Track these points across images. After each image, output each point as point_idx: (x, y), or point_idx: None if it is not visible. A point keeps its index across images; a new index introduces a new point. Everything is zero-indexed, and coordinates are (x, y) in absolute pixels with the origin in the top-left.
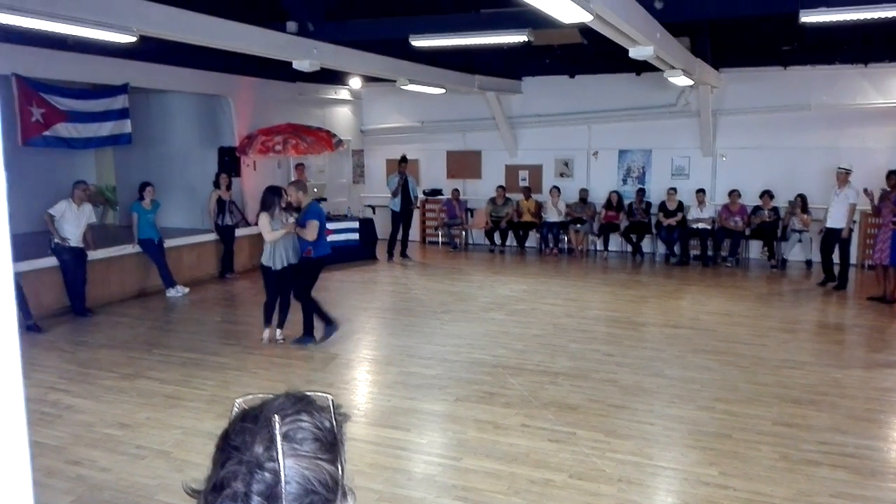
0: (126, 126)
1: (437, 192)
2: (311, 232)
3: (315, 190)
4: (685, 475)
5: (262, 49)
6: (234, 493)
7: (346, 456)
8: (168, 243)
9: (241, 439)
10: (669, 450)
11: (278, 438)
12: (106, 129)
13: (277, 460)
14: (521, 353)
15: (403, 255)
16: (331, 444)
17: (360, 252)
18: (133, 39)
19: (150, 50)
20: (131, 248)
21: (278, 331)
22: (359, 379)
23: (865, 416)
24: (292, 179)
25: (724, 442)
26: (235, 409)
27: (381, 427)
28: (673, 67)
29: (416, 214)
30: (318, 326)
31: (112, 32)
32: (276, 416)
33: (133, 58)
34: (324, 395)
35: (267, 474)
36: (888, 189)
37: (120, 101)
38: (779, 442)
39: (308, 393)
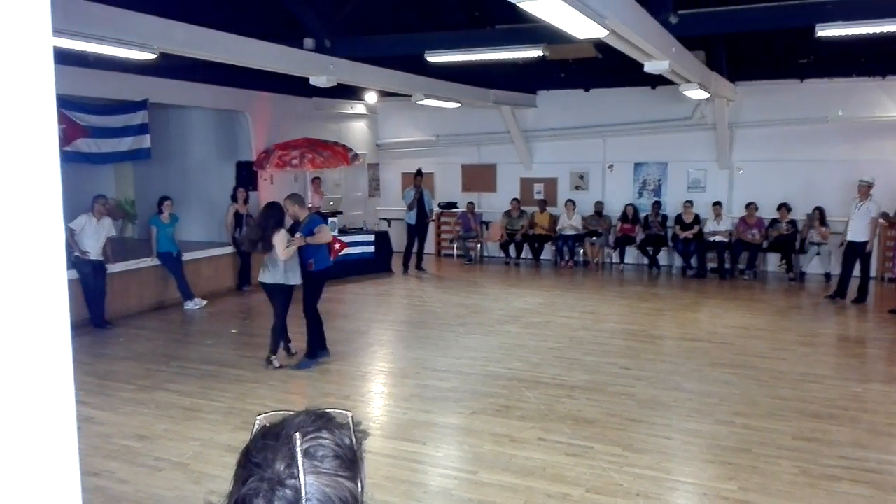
0: (145, 141)
1: (453, 205)
2: (325, 234)
3: (332, 203)
4: (704, 490)
5: (280, 66)
6: None
7: (366, 472)
8: (186, 256)
9: (262, 456)
10: (688, 464)
11: (299, 456)
12: (125, 144)
13: (298, 478)
14: (536, 366)
15: (419, 267)
16: (351, 461)
17: (376, 265)
18: (153, 56)
19: (170, 66)
20: (150, 262)
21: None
22: (375, 392)
23: (886, 430)
24: (309, 193)
25: (743, 456)
26: (256, 425)
27: (398, 440)
28: (688, 81)
29: (432, 227)
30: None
31: (134, 50)
32: (297, 434)
33: (153, 74)
34: (343, 412)
35: (288, 491)
36: None
37: (139, 117)
38: (799, 457)
39: (328, 410)
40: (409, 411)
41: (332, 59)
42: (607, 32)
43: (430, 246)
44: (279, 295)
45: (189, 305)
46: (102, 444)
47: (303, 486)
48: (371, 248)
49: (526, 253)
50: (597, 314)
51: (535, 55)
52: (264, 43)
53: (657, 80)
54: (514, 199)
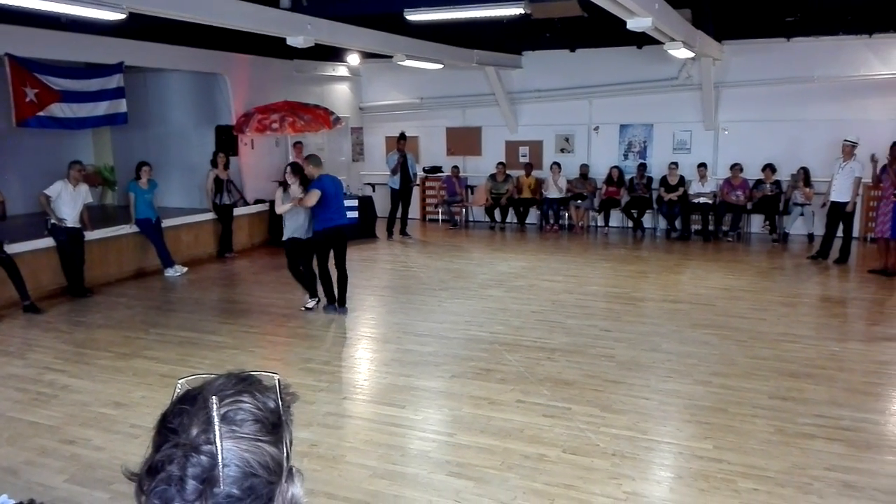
0: (122, 105)
1: (437, 169)
2: (307, 199)
3: None
4: (680, 449)
5: (255, 25)
6: (168, 477)
7: (293, 437)
8: (166, 223)
9: (178, 421)
10: (664, 424)
11: (216, 420)
12: (101, 108)
13: (214, 443)
14: (518, 329)
15: (403, 232)
16: (274, 425)
17: (360, 230)
18: (122, 16)
19: (145, 28)
20: (129, 228)
21: (306, 297)
22: (356, 357)
23: (863, 389)
24: (290, 158)
25: (719, 416)
26: (178, 389)
27: (377, 404)
28: (673, 39)
29: (416, 192)
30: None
31: (101, 10)
32: (215, 398)
33: (128, 36)
34: (271, 374)
35: (203, 457)
36: (890, 161)
37: (115, 81)
38: (774, 416)
39: (253, 372)
40: (389, 375)
41: (310, 18)
42: None
43: (414, 211)
44: (296, 250)
45: (169, 273)
46: (79, 412)
47: (219, 452)
48: (355, 214)
49: (511, 217)
50: (580, 277)
51: (517, 13)
52: (238, 1)
53: (643, 40)
54: (500, 163)
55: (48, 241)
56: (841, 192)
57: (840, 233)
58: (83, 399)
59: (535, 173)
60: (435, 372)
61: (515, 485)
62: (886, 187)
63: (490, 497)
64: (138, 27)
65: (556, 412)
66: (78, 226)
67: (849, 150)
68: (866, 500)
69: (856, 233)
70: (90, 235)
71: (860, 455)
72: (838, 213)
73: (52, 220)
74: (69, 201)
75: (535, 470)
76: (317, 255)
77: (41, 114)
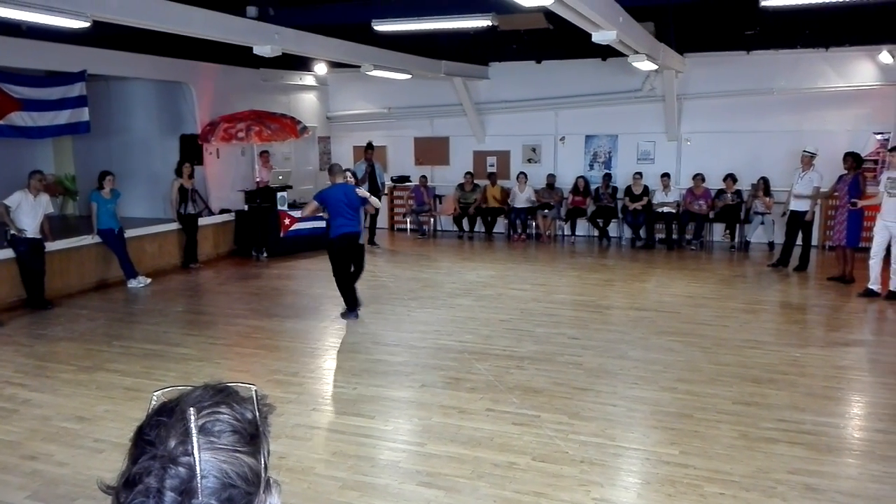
0: (84, 114)
1: (405, 178)
2: (306, 208)
3: (281, 178)
4: (647, 455)
5: (222, 34)
6: (146, 489)
7: (270, 448)
8: (129, 233)
9: (155, 433)
10: (632, 430)
11: (194, 431)
12: (63, 117)
13: (192, 454)
14: (487, 338)
15: (371, 242)
16: (252, 435)
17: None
18: (86, 25)
19: (108, 36)
20: (91, 239)
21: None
22: (324, 367)
23: (823, 393)
24: (257, 167)
25: (685, 422)
26: (153, 402)
27: (346, 415)
28: (637, 52)
29: (385, 201)
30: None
31: (63, 18)
32: (192, 409)
33: (90, 44)
34: (248, 385)
35: (181, 469)
36: (845, 171)
37: (77, 89)
38: (738, 420)
39: (229, 384)
40: (359, 386)
41: (277, 27)
42: (552, 0)
43: (382, 220)
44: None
45: (132, 284)
46: (40, 427)
47: (197, 463)
48: (322, 224)
49: (479, 226)
50: (548, 286)
51: (485, 24)
52: (204, 10)
53: (607, 52)
54: (468, 173)
55: (7, 253)
56: (800, 202)
57: (799, 241)
58: (45, 413)
59: (500, 183)
60: (405, 382)
61: (486, 493)
62: (842, 196)
63: None
64: (101, 35)
65: (526, 420)
66: (38, 236)
67: (807, 160)
68: (828, 503)
69: (815, 241)
70: (51, 246)
71: (821, 458)
72: (798, 222)
73: (12, 231)
74: (29, 211)
75: (504, 478)
76: (332, 263)
77: (1, 122)
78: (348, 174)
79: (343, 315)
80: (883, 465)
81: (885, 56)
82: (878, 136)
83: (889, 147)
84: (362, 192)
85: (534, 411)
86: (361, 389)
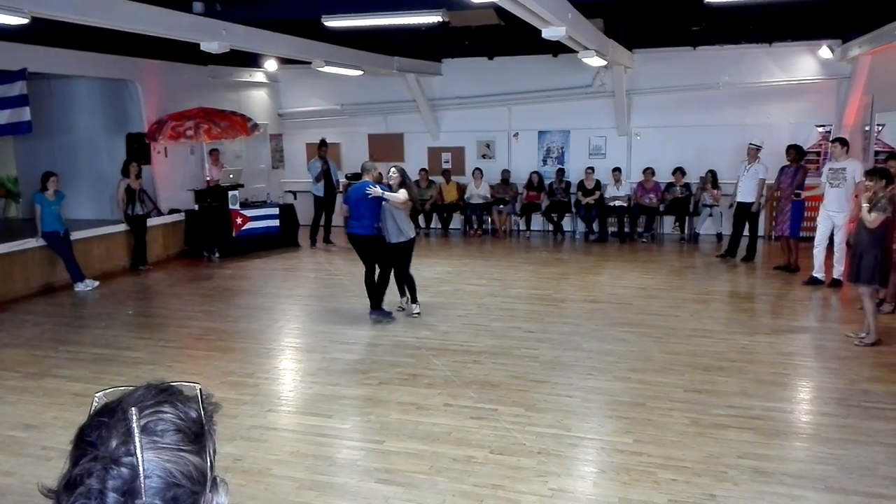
0: (25, 114)
1: (360, 176)
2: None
3: (231, 176)
4: (602, 444)
5: (167, 31)
6: (88, 491)
7: (217, 446)
8: (75, 235)
9: (96, 434)
10: (587, 421)
11: (136, 431)
12: (3, 117)
13: (135, 454)
14: (445, 333)
15: (327, 240)
16: (196, 434)
17: (282, 239)
18: (25, 21)
19: (50, 33)
20: (35, 242)
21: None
22: (280, 368)
23: (771, 379)
24: (207, 166)
25: (638, 410)
26: (95, 402)
27: (303, 415)
28: (586, 48)
29: (339, 199)
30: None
31: (2, 14)
32: (134, 409)
33: (31, 42)
34: (192, 384)
35: (124, 469)
36: (787, 163)
37: (17, 88)
38: (690, 408)
39: (173, 383)
40: (315, 385)
41: (224, 23)
42: None
43: (338, 218)
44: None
45: (80, 287)
46: None
47: (140, 463)
48: (276, 222)
49: (435, 223)
50: (504, 280)
51: (435, 20)
52: (149, 6)
53: (558, 49)
54: (423, 170)
55: None
56: (746, 194)
57: (746, 232)
58: None
59: (455, 179)
60: (362, 379)
61: (444, 488)
62: (785, 188)
63: (419, 501)
64: (42, 32)
65: (483, 414)
66: None
67: (753, 152)
68: (776, 485)
69: (761, 232)
70: None
71: (770, 442)
72: (744, 214)
73: None
74: None
75: (463, 472)
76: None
77: None
78: (377, 172)
79: (369, 314)
80: (828, 447)
81: (825, 51)
82: (820, 129)
83: (831, 139)
84: (374, 190)
85: (491, 405)
86: (318, 388)
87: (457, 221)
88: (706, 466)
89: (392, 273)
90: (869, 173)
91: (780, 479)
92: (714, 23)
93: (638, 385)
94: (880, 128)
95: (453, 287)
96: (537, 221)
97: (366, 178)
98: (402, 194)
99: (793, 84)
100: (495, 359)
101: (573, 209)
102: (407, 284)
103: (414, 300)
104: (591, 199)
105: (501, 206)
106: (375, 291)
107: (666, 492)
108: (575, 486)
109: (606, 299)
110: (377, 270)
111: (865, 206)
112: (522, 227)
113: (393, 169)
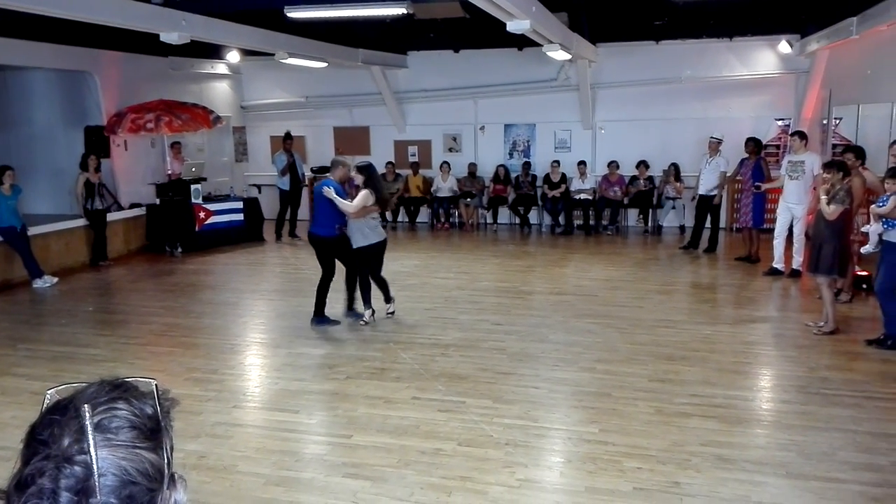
0: None
1: (326, 169)
2: None
3: (193, 170)
4: (569, 434)
5: (125, 21)
6: (40, 491)
7: (174, 442)
8: (32, 231)
9: (48, 432)
10: (554, 411)
11: (89, 429)
12: None
13: (88, 452)
14: (412, 327)
15: (292, 234)
16: (152, 430)
17: (246, 233)
18: None
19: (4, 23)
20: None
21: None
22: (246, 363)
23: (733, 368)
24: (168, 159)
25: (604, 400)
26: (47, 400)
27: (269, 411)
28: (551, 42)
29: (305, 193)
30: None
31: None
32: (87, 406)
33: None
34: (147, 380)
35: (77, 468)
36: (747, 156)
37: None
38: (654, 397)
39: (128, 379)
40: (281, 380)
41: (184, 13)
42: None
43: (303, 212)
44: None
45: (38, 284)
46: None
47: (94, 461)
48: (240, 216)
49: (402, 216)
50: (471, 274)
51: (400, 12)
52: None
53: (523, 42)
54: (389, 163)
55: None
56: (708, 186)
57: (708, 224)
58: None
59: (422, 172)
60: (329, 374)
61: (413, 481)
62: (746, 180)
63: (387, 495)
64: None
65: (451, 406)
66: None
67: (714, 146)
68: (738, 472)
69: (722, 223)
70: None
71: (732, 430)
72: (706, 206)
73: None
74: None
75: (431, 465)
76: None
77: None
78: (344, 169)
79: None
80: (789, 433)
81: (784, 46)
82: (780, 122)
83: (790, 132)
84: (328, 192)
85: (459, 397)
86: (284, 384)
87: (424, 215)
88: (670, 454)
89: (369, 277)
90: (827, 166)
91: (742, 466)
92: (677, 17)
93: (603, 375)
94: (837, 121)
95: (420, 280)
96: (504, 214)
97: (331, 175)
98: (359, 200)
99: (753, 78)
100: (463, 352)
101: (539, 202)
102: (379, 287)
103: (387, 300)
104: (556, 193)
105: (468, 200)
106: (320, 297)
107: (631, 480)
108: (542, 477)
109: (572, 291)
110: (340, 274)
111: (824, 198)
112: (489, 220)
113: (355, 170)
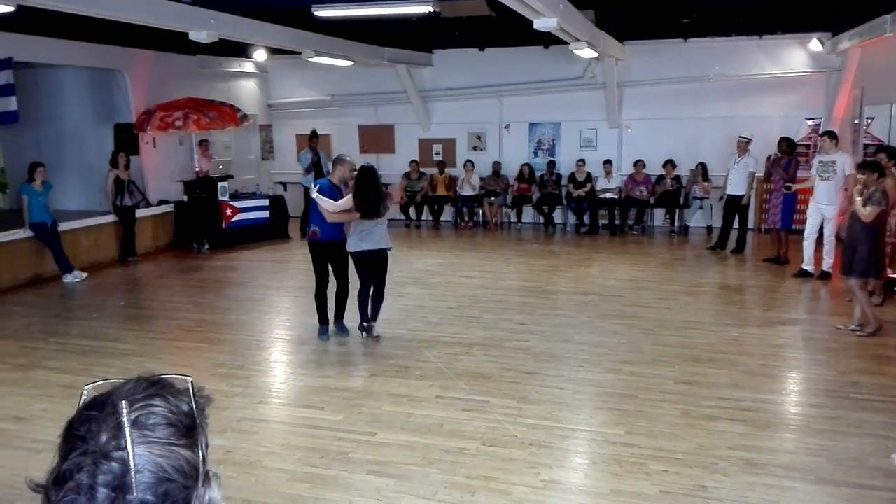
0: (11, 103)
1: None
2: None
3: (221, 167)
4: (593, 436)
5: (155, 19)
6: (77, 486)
7: (208, 440)
8: (63, 226)
9: (85, 428)
10: (578, 412)
11: (126, 425)
12: None
13: (125, 449)
14: (436, 325)
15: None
16: (188, 428)
17: (272, 231)
18: (11, 9)
19: (36, 21)
20: (23, 233)
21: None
22: (271, 360)
23: (761, 371)
24: (195, 156)
25: (629, 402)
26: (84, 395)
27: (294, 407)
28: (578, 40)
29: None
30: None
31: None
32: (124, 402)
33: (17, 30)
34: (183, 377)
35: (114, 464)
36: (779, 155)
37: (4, 77)
38: (680, 399)
39: (164, 376)
40: (306, 377)
41: (213, 12)
42: None
43: None
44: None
45: (68, 279)
46: None
47: (131, 458)
48: (266, 214)
49: (426, 215)
50: (495, 273)
51: (426, 11)
52: None
53: (549, 40)
54: (413, 161)
55: None
56: (736, 186)
57: (736, 224)
58: None
59: (448, 171)
60: (353, 372)
61: (436, 479)
62: (776, 180)
63: (411, 493)
64: (28, 20)
65: (475, 406)
66: None
67: (743, 145)
68: (767, 476)
69: (751, 224)
70: None
71: (760, 434)
72: (734, 206)
73: None
74: None
75: (455, 464)
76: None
77: None
78: (346, 168)
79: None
80: (817, 438)
81: (815, 44)
82: (810, 122)
83: (820, 132)
84: (314, 192)
85: (483, 397)
86: (309, 380)
87: (448, 213)
88: (697, 458)
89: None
90: (861, 166)
91: (770, 471)
92: (705, 15)
93: (629, 377)
94: (869, 121)
95: (444, 279)
96: (528, 213)
97: (331, 174)
98: (340, 203)
99: (783, 77)
100: (487, 351)
101: (564, 201)
102: (371, 301)
103: (373, 318)
104: (581, 192)
105: (492, 198)
106: (320, 305)
107: (657, 483)
108: (566, 478)
109: (597, 291)
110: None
111: (859, 199)
112: (513, 219)
113: (340, 165)
